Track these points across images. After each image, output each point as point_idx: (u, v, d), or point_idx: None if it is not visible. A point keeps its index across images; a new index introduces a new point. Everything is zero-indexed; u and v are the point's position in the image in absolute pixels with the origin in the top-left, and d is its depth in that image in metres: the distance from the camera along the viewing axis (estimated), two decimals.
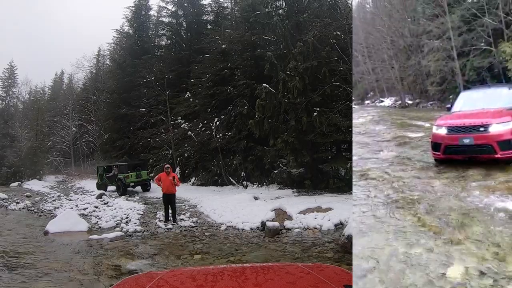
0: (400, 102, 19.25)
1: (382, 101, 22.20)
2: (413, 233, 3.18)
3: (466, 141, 4.91)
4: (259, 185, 15.82)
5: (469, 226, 3.13)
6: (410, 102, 18.31)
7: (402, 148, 7.41)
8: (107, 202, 13.22)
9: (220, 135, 17.53)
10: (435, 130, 5.43)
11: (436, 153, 5.32)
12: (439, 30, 11.11)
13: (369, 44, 21.26)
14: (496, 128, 4.76)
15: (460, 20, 10.18)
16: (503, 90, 5.91)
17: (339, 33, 13.36)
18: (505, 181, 4.15)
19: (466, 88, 9.16)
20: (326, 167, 13.76)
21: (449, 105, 6.30)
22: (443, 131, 5.22)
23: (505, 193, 3.79)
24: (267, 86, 13.61)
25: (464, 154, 5.08)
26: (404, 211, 3.72)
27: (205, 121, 19.14)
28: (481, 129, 4.84)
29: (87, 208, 12.23)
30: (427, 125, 8.99)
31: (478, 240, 2.85)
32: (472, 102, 5.92)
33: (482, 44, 9.94)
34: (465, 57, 10.41)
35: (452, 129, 5.14)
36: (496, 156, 4.71)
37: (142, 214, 11.06)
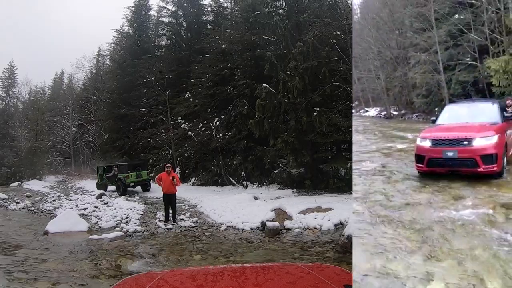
0: (385, 112, 19.26)
1: (367, 111, 22.21)
2: (392, 248, 3.11)
3: (450, 154, 4.92)
4: (259, 185, 15.82)
5: (450, 241, 3.09)
6: (395, 113, 18.31)
7: (385, 159, 7.40)
8: (107, 202, 13.22)
9: (220, 135, 17.53)
10: (419, 142, 5.43)
11: (420, 165, 5.32)
12: (426, 43, 11.28)
13: (355, 54, 21.22)
14: (480, 142, 4.80)
15: (446, 35, 10.35)
16: (487, 105, 5.97)
17: (339, 33, 13.36)
18: (488, 195, 4.13)
19: (451, 101, 9.27)
20: (326, 167, 13.76)
21: (433, 118, 6.32)
22: (427, 144, 5.23)
23: (487, 208, 3.76)
24: (267, 86, 13.61)
25: (447, 167, 5.08)
26: (385, 225, 3.66)
27: (205, 121, 19.13)
28: (465, 142, 4.87)
29: (87, 208, 12.23)
30: (411, 136, 9.00)
31: (460, 255, 2.80)
32: (456, 116, 5.97)
33: (468, 59, 10.11)
34: (451, 71, 10.57)
35: (436, 142, 5.15)
36: (479, 170, 4.74)
37: (142, 214, 11.06)
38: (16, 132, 36.10)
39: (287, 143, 13.11)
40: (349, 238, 6.22)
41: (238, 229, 8.82)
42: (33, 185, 25.65)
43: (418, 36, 11.94)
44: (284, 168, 14.86)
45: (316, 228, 8.17)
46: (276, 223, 8.28)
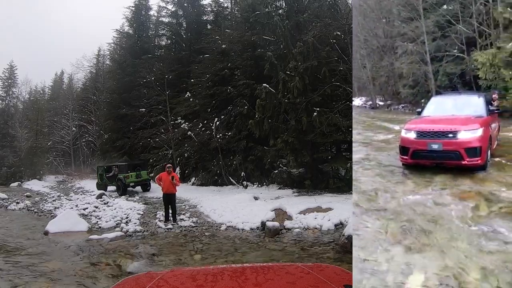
0: (370, 102, 19.14)
1: (352, 101, 22.00)
2: (373, 239, 3.10)
3: (435, 146, 4.91)
4: (259, 185, 15.82)
5: (432, 233, 3.09)
6: (381, 103, 18.21)
7: (369, 150, 7.37)
8: (107, 202, 13.21)
9: (220, 135, 17.53)
10: (404, 134, 5.38)
11: (404, 157, 5.28)
12: (413, 33, 11.22)
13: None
14: (465, 135, 4.79)
15: (434, 26, 10.30)
16: (473, 98, 5.95)
17: (339, 33, 13.36)
18: (471, 188, 4.14)
19: (437, 93, 9.24)
20: (326, 167, 13.77)
21: (419, 110, 6.29)
22: (412, 135, 5.20)
23: (470, 201, 3.77)
24: (267, 86, 13.61)
25: (432, 160, 5.06)
26: (366, 216, 3.65)
27: (205, 121, 19.14)
28: (450, 135, 4.86)
29: (87, 208, 12.22)
30: (397, 128, 8.96)
31: (441, 248, 2.81)
32: (442, 108, 5.94)
33: (455, 51, 10.08)
34: (438, 62, 10.51)
35: (421, 134, 5.12)
36: (463, 162, 4.73)
37: (142, 214, 11.06)
38: (16, 132, 36.13)
39: (287, 143, 13.11)
40: (349, 238, 6.22)
41: (238, 229, 8.82)
42: (33, 185, 25.67)
43: (406, 25, 11.87)
44: (284, 168, 14.86)
45: (316, 228, 8.17)
46: (276, 223, 8.28)
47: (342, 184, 12.55)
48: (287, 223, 8.45)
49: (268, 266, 2.01)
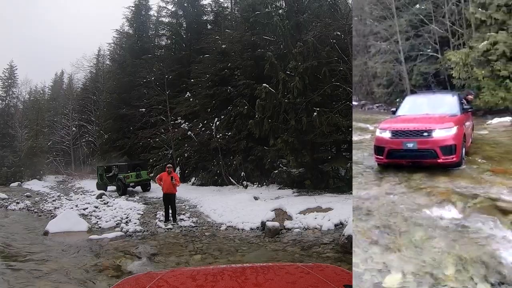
0: None
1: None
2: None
3: (410, 145, 4.91)
4: (259, 185, 15.82)
5: (408, 232, 3.10)
6: (355, 103, 18.10)
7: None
8: (107, 202, 13.22)
9: (220, 135, 17.53)
10: (378, 133, 5.35)
11: (379, 157, 5.25)
12: (386, 32, 11.18)
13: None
14: (439, 134, 4.81)
15: (408, 25, 10.28)
16: (447, 97, 5.98)
17: (339, 33, 13.36)
18: (447, 185, 4.17)
19: (412, 92, 9.24)
20: (326, 167, 13.75)
21: (393, 109, 6.29)
22: (386, 135, 5.19)
23: (446, 198, 3.79)
24: (267, 86, 13.60)
25: (407, 159, 5.06)
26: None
27: (205, 121, 19.14)
28: (425, 134, 4.87)
29: (87, 208, 12.22)
30: (372, 128, 8.99)
31: (418, 247, 2.82)
32: (417, 107, 5.96)
33: (429, 50, 10.08)
34: (412, 61, 10.50)
35: (396, 133, 5.11)
36: (439, 161, 4.74)
37: (142, 214, 11.07)
38: (16, 132, 36.12)
39: (287, 143, 13.11)
40: (349, 238, 6.23)
41: (238, 229, 8.82)
42: (33, 185, 25.67)
43: (378, 24, 11.84)
44: (284, 168, 14.85)
45: (316, 228, 8.17)
46: (276, 223, 8.28)
47: (342, 184, 12.55)
48: (287, 223, 8.45)
49: (268, 266, 2.01)
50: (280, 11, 15.64)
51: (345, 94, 12.98)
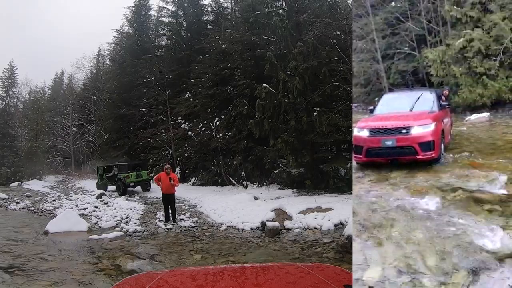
0: None
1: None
2: None
3: (389, 143, 4.92)
4: (259, 185, 15.82)
5: (389, 227, 3.13)
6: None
7: None
8: (107, 202, 13.22)
9: (220, 135, 17.53)
10: (356, 132, 5.33)
11: (358, 156, 5.23)
12: (362, 31, 11.14)
13: None
14: (418, 130, 4.84)
15: (383, 23, 10.24)
16: (425, 94, 5.99)
17: (339, 33, 13.36)
18: (426, 181, 4.22)
19: (390, 90, 9.24)
20: (326, 167, 13.75)
21: (371, 107, 6.29)
22: (365, 134, 5.18)
23: (426, 192, 3.84)
24: (267, 86, 13.61)
25: (386, 157, 5.06)
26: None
27: (205, 121, 19.14)
28: (403, 131, 4.89)
29: (87, 208, 12.22)
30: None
31: (398, 241, 2.86)
32: (394, 105, 5.96)
33: (406, 48, 10.06)
34: (390, 60, 10.48)
35: (374, 132, 5.11)
36: (418, 157, 4.78)
37: (142, 214, 11.07)
38: (16, 132, 36.10)
39: (287, 143, 13.11)
40: (349, 238, 6.22)
41: (238, 229, 8.82)
42: (33, 185, 25.66)
43: (354, 22, 11.82)
44: (284, 168, 14.86)
45: (316, 228, 8.17)
46: (276, 223, 8.28)
47: (342, 184, 12.55)
48: (287, 223, 8.45)
49: (268, 266, 2.01)
50: (280, 11, 15.64)
51: (345, 94, 12.97)
